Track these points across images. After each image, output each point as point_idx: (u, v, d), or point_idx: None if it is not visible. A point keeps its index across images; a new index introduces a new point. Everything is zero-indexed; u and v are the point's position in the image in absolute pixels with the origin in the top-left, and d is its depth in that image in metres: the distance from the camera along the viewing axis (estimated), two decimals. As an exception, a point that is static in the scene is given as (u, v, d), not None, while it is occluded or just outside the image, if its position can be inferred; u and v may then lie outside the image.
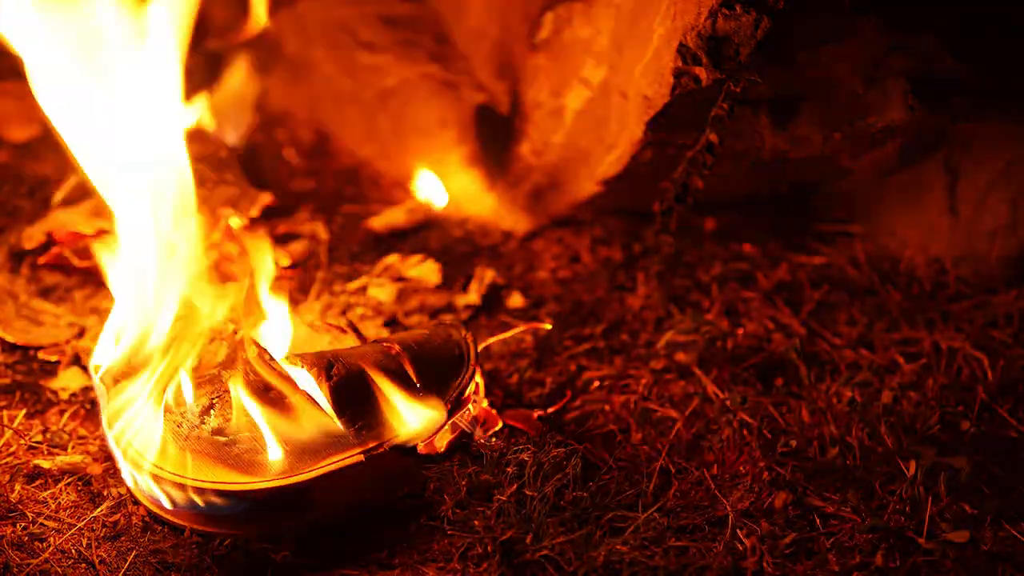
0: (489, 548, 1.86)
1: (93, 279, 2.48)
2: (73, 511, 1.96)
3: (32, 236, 2.60)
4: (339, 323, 2.33)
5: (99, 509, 1.96)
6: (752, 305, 2.54)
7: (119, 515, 1.95)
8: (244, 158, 2.85)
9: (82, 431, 2.14)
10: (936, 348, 2.39)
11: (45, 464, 2.03)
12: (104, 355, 2.03)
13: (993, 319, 2.48)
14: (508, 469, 2.00)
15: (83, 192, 2.62)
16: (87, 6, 1.95)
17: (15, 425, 2.12)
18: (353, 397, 1.95)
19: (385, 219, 2.81)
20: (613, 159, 2.53)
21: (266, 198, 2.71)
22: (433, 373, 2.04)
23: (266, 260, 2.29)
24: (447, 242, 2.77)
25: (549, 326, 2.37)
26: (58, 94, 2.00)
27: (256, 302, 2.20)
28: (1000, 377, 2.30)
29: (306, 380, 1.98)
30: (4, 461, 2.04)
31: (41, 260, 2.55)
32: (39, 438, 2.10)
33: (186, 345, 2.08)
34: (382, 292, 2.54)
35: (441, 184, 2.86)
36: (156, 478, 1.89)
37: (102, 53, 2.00)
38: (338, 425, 1.93)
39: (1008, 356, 2.35)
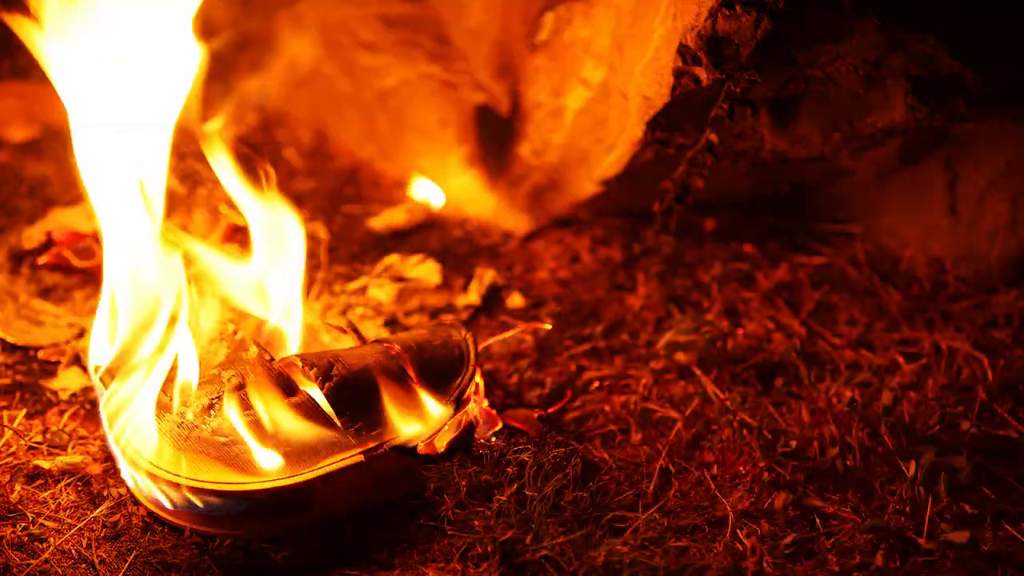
0: (489, 548, 1.86)
1: (93, 279, 2.48)
2: (73, 511, 1.96)
3: (32, 236, 2.60)
4: (339, 323, 2.33)
5: (99, 509, 1.96)
6: (752, 305, 2.54)
7: (119, 515, 1.95)
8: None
9: (82, 431, 2.14)
10: (936, 348, 2.39)
11: (45, 464, 2.03)
12: (102, 354, 2.03)
13: (993, 319, 2.48)
14: (508, 469, 2.00)
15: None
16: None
17: (15, 425, 2.12)
18: (353, 397, 1.95)
19: (385, 219, 2.81)
20: (613, 159, 2.53)
21: None
22: (433, 373, 2.04)
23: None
24: (447, 242, 2.77)
25: (549, 326, 2.37)
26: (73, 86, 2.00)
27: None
28: (1000, 377, 2.30)
29: (306, 380, 1.98)
30: (4, 461, 2.04)
31: (40, 260, 2.55)
32: (39, 438, 2.10)
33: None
34: (382, 292, 2.54)
35: (439, 187, 2.86)
36: (155, 478, 1.89)
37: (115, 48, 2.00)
38: (338, 425, 1.93)
39: (1008, 356, 2.35)
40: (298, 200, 2.85)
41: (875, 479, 2.04)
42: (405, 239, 2.77)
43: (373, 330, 2.43)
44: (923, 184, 2.64)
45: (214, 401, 1.97)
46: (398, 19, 2.90)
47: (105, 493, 1.99)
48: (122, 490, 1.98)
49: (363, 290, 2.56)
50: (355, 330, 2.28)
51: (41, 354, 2.33)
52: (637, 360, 2.39)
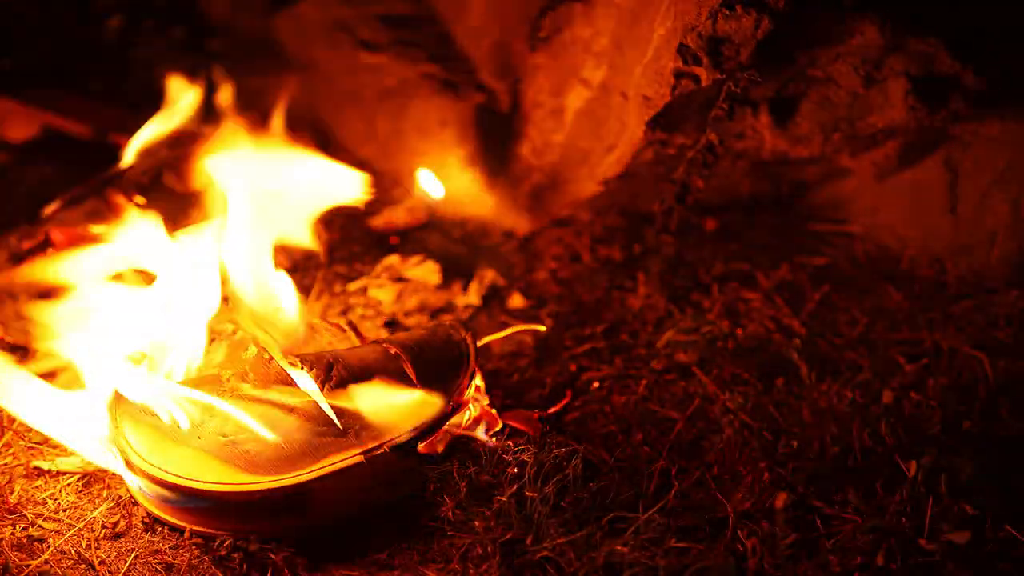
0: (489, 549, 1.86)
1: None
2: (73, 511, 1.96)
3: (30, 234, 2.60)
4: (339, 323, 2.33)
5: (99, 509, 1.96)
6: (753, 305, 2.54)
7: (119, 516, 1.95)
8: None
9: (82, 431, 2.13)
10: (937, 348, 2.39)
11: (45, 464, 2.03)
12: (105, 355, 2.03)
13: (993, 319, 2.48)
14: (508, 470, 2.00)
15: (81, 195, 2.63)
16: None
17: (15, 425, 2.11)
18: (353, 398, 1.95)
19: (386, 218, 2.81)
20: (613, 159, 2.53)
21: None
22: (433, 373, 2.04)
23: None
24: (447, 242, 2.77)
25: (543, 328, 2.35)
26: None
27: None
28: (1001, 377, 2.30)
29: (306, 381, 1.98)
30: (4, 461, 2.04)
31: (36, 259, 2.55)
32: (39, 438, 2.10)
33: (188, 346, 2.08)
34: (382, 292, 2.54)
35: (439, 184, 2.85)
36: (155, 479, 1.88)
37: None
38: (338, 425, 1.93)
39: (1008, 356, 2.35)
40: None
41: (876, 479, 2.04)
42: (405, 239, 2.77)
43: (373, 330, 2.42)
44: (923, 184, 2.64)
45: (214, 401, 1.97)
46: (398, 19, 2.91)
47: (105, 493, 1.99)
48: (122, 490, 1.98)
49: (363, 290, 2.56)
50: (355, 330, 2.28)
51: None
52: (637, 360, 2.38)
